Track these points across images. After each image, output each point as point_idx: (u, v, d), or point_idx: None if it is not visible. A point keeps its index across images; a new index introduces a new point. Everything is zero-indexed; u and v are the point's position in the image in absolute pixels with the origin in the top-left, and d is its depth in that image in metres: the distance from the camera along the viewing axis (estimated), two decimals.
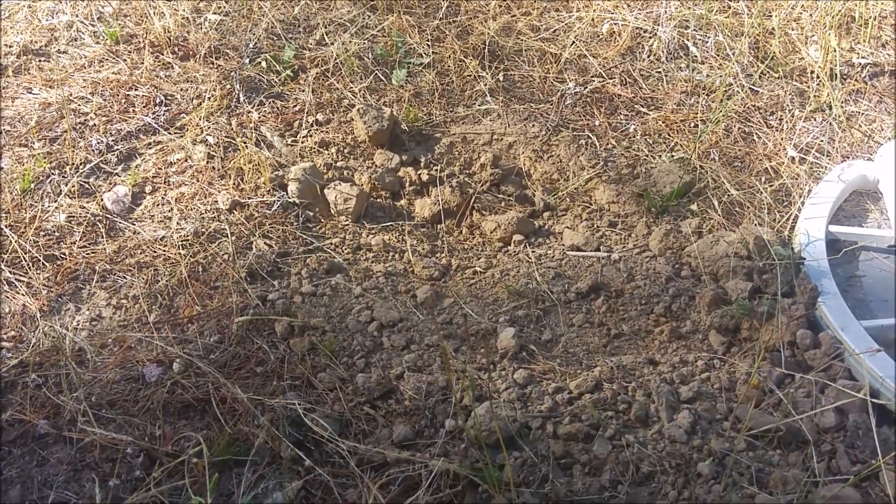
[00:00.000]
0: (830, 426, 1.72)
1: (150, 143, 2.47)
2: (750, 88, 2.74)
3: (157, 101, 2.59)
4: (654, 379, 1.82)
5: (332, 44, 2.82)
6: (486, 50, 2.82)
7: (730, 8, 3.02)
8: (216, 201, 2.29)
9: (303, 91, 2.67)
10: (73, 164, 2.36)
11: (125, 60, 2.72)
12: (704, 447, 1.68)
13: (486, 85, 2.72)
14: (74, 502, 1.63)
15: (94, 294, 2.06)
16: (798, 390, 1.80)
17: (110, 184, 2.34)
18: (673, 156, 2.52)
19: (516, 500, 1.56)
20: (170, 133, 2.50)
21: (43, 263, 2.10)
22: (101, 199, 2.28)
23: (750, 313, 1.95)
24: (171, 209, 2.27)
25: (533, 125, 2.61)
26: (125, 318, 1.99)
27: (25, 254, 2.10)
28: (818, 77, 2.76)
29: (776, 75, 2.81)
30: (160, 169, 2.39)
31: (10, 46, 2.75)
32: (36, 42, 2.80)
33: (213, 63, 2.72)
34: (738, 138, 2.59)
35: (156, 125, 2.51)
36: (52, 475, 1.67)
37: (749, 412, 1.71)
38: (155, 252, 2.15)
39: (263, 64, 2.73)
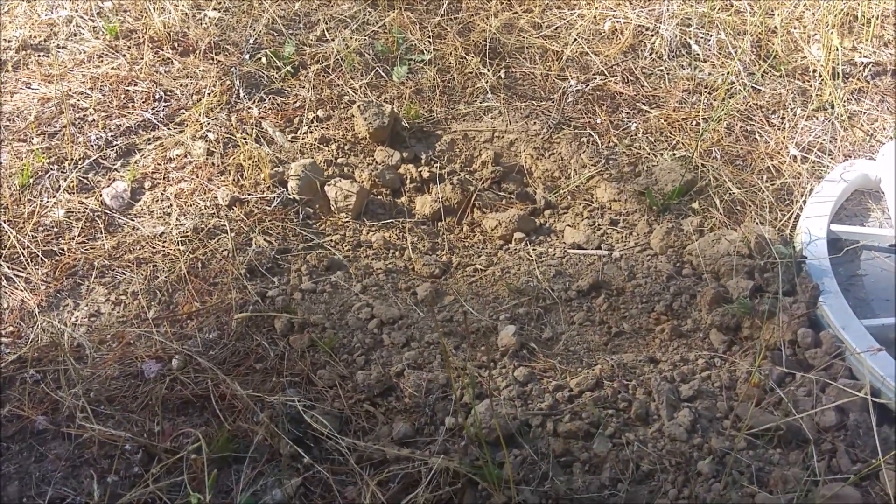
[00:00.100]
0: (831, 425, 1.71)
1: (149, 139, 2.46)
2: (752, 87, 2.74)
3: (157, 96, 2.58)
4: (655, 377, 1.82)
5: (333, 40, 2.81)
6: (488, 47, 2.81)
7: (732, 6, 3.02)
8: (216, 197, 2.28)
9: (303, 87, 2.66)
10: (72, 159, 2.36)
11: (125, 56, 2.71)
12: (705, 446, 1.68)
13: (487, 82, 2.71)
14: (73, 498, 1.62)
15: (92, 290, 2.05)
16: (799, 389, 1.79)
17: (109, 179, 2.33)
18: (675, 154, 2.51)
19: (516, 498, 1.56)
20: (169, 129, 2.49)
21: (41, 259, 2.10)
22: (100, 195, 2.27)
23: (751, 312, 1.95)
24: (171, 205, 2.26)
25: (534, 123, 2.60)
26: (124, 314, 1.99)
27: (24, 249, 2.10)
28: (820, 76, 2.75)
29: (778, 74, 2.81)
30: (159, 165, 2.38)
31: (10, 41, 2.74)
32: (35, 37, 2.79)
33: (213, 59, 2.72)
34: (739, 137, 2.59)
35: (155, 121, 2.50)
36: (50, 471, 1.67)
37: (749, 411, 1.71)
38: (154, 248, 2.14)
39: (264, 60, 2.72)
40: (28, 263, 2.08)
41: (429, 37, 2.85)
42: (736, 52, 2.81)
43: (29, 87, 2.59)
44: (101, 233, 2.18)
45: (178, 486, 1.61)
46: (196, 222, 2.20)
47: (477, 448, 1.63)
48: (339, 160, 2.47)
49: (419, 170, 2.46)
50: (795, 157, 2.52)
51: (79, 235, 2.17)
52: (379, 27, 2.87)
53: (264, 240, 2.18)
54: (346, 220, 2.32)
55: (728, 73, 2.75)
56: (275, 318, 1.96)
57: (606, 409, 1.75)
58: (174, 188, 2.31)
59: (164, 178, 2.35)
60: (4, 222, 2.15)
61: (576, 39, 2.86)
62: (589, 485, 1.60)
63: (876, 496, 1.60)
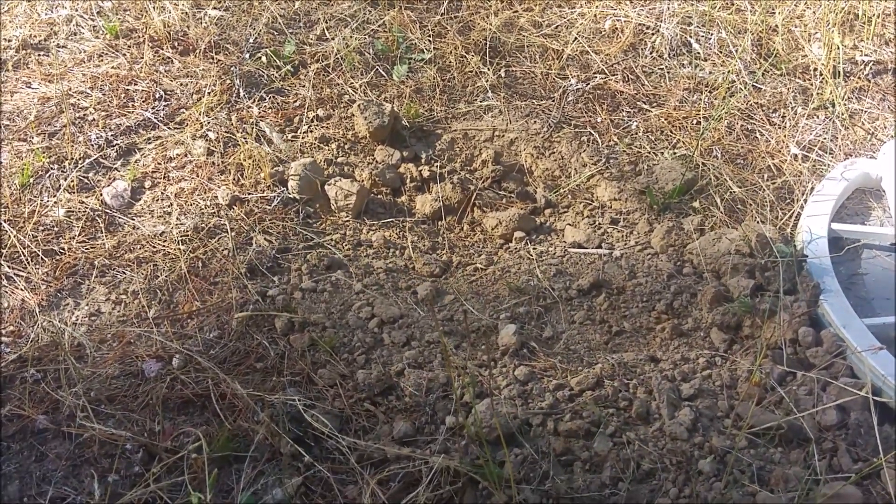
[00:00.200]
0: (832, 424, 1.71)
1: (149, 138, 2.46)
2: (753, 85, 2.74)
3: (157, 95, 2.58)
4: (656, 376, 1.82)
5: (333, 39, 2.81)
6: (488, 46, 2.81)
7: (733, 5, 3.01)
8: (216, 197, 2.28)
9: (303, 86, 2.66)
10: (73, 158, 2.36)
11: (125, 55, 2.71)
12: (706, 444, 1.67)
13: (487, 81, 2.71)
14: (73, 498, 1.62)
15: (93, 289, 2.05)
16: (800, 388, 1.79)
17: (109, 179, 2.33)
18: (675, 153, 2.51)
19: (517, 497, 1.56)
20: (169, 128, 2.49)
21: (42, 258, 2.09)
22: (101, 194, 2.27)
23: (752, 311, 1.95)
24: (171, 204, 2.26)
25: (534, 122, 2.60)
26: (124, 314, 1.98)
27: (24, 248, 2.10)
28: (821, 74, 2.75)
29: (779, 72, 2.80)
30: (160, 164, 2.38)
31: (10, 41, 2.74)
32: (35, 36, 2.79)
33: (213, 58, 2.71)
34: (740, 135, 2.59)
35: (155, 120, 2.50)
36: (50, 470, 1.66)
37: (750, 410, 1.71)
38: (154, 247, 2.14)
39: (264, 59, 2.72)
40: (28, 263, 2.07)
41: (429, 36, 2.85)
42: (737, 51, 2.81)
43: (29, 87, 2.59)
44: (102, 232, 2.18)
45: (178, 486, 1.61)
46: (196, 221, 2.20)
47: (477, 447, 1.63)
48: (339, 159, 2.47)
49: (419, 169, 2.46)
50: (796, 155, 2.52)
51: (79, 235, 2.17)
52: (379, 26, 2.87)
53: (265, 239, 2.18)
54: (347, 219, 2.32)
55: (729, 71, 2.75)
56: (275, 317, 1.96)
57: (607, 408, 1.75)
58: (174, 187, 2.31)
59: (164, 177, 2.35)
60: (5, 222, 2.15)
61: (576, 38, 2.86)
62: (590, 484, 1.60)
63: (877, 495, 1.60)
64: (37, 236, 2.14)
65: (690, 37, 2.90)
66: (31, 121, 2.45)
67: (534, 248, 2.26)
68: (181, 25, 2.81)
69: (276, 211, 2.27)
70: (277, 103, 2.61)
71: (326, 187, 2.34)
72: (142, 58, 2.69)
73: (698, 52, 2.85)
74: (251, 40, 2.79)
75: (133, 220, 2.23)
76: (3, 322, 1.94)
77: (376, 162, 2.48)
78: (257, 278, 2.08)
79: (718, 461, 1.64)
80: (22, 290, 2.02)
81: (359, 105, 2.53)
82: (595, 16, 2.96)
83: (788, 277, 2.04)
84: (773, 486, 1.59)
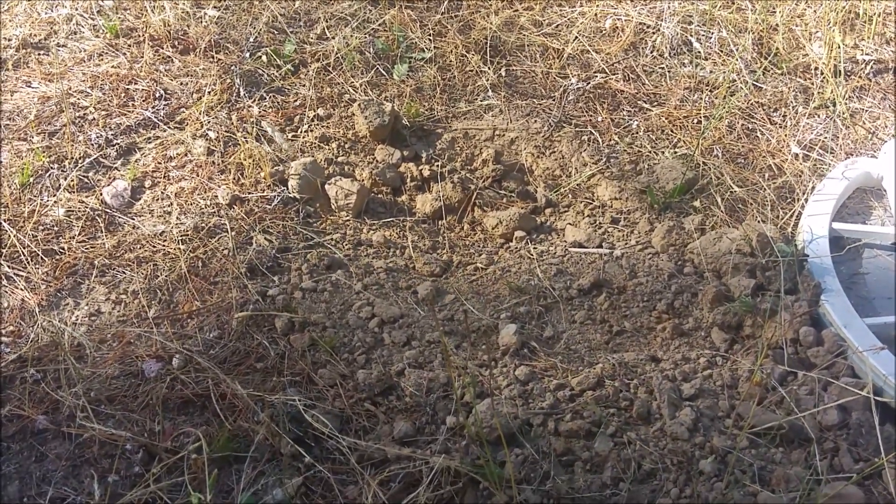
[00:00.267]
0: (833, 424, 1.71)
1: (149, 138, 2.46)
2: (753, 85, 2.73)
3: (157, 95, 2.58)
4: (657, 376, 1.81)
5: (333, 38, 2.80)
6: (489, 45, 2.80)
7: (733, 4, 3.01)
8: (216, 196, 2.28)
9: (303, 86, 2.66)
10: (73, 158, 2.35)
11: (125, 54, 2.71)
12: (706, 445, 1.67)
13: (487, 80, 2.70)
14: (73, 498, 1.62)
15: (93, 289, 2.04)
16: (801, 388, 1.79)
17: (109, 178, 2.33)
18: (676, 152, 2.50)
19: (517, 498, 1.55)
20: (169, 127, 2.48)
21: (42, 258, 2.09)
22: (101, 194, 2.27)
23: (753, 310, 1.94)
24: (171, 204, 2.26)
25: (535, 121, 2.60)
26: (124, 314, 1.98)
27: (24, 248, 2.09)
28: (822, 73, 2.75)
29: (780, 72, 2.80)
30: (160, 163, 2.38)
31: (10, 40, 2.73)
32: (35, 35, 2.78)
33: (213, 57, 2.71)
34: (741, 135, 2.58)
35: (155, 119, 2.50)
36: (50, 471, 1.66)
37: (751, 410, 1.70)
38: (154, 247, 2.14)
39: (264, 58, 2.71)
40: (28, 262, 2.07)
41: (429, 35, 2.85)
42: (737, 50, 2.80)
43: (29, 86, 2.58)
44: (102, 232, 2.18)
45: (178, 486, 1.61)
46: (196, 221, 2.19)
47: (478, 447, 1.63)
48: (339, 159, 2.46)
49: (420, 168, 2.46)
50: (797, 154, 2.52)
51: (79, 234, 2.16)
52: (379, 25, 2.87)
53: (265, 238, 2.18)
54: (347, 218, 2.32)
55: (729, 70, 2.74)
56: (275, 317, 1.95)
57: (608, 408, 1.74)
58: (174, 187, 2.31)
59: (164, 176, 2.34)
60: (5, 221, 2.15)
61: (577, 37, 2.86)
62: (590, 484, 1.59)
63: (878, 495, 1.59)
64: (37, 236, 2.14)
65: (691, 36, 2.89)
66: (31, 120, 2.45)
67: (534, 248, 2.26)
68: (181, 24, 2.80)
69: (277, 210, 2.27)
70: (278, 102, 2.61)
71: (327, 187, 2.34)
72: (142, 57, 2.69)
73: (699, 52, 2.85)
74: (251, 39, 2.78)
75: (133, 219, 2.22)
76: (3, 322, 1.94)
77: (377, 161, 2.48)
78: (257, 278, 2.08)
79: (719, 461, 1.64)
80: (22, 289, 2.01)
81: (359, 104, 2.53)
82: (595, 15, 2.96)
83: (789, 277, 2.04)
84: (775, 487, 1.59)
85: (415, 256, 2.22)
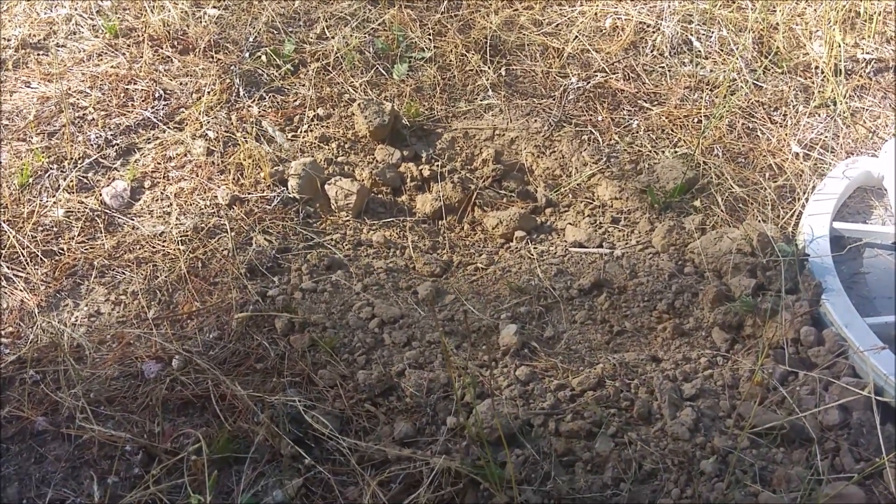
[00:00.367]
0: (834, 424, 1.70)
1: (149, 138, 2.46)
2: (754, 84, 2.73)
3: (157, 95, 2.57)
4: (657, 376, 1.81)
5: (333, 38, 2.80)
6: (488, 44, 2.80)
7: (734, 2, 3.00)
8: (216, 196, 2.27)
9: (303, 85, 2.65)
10: (72, 158, 2.35)
11: (124, 54, 2.70)
12: (707, 445, 1.67)
13: (487, 80, 2.70)
14: (73, 500, 1.61)
15: (92, 290, 2.04)
16: (802, 388, 1.79)
17: (109, 178, 2.33)
18: (676, 151, 2.50)
19: (518, 499, 1.55)
20: (169, 127, 2.48)
21: (41, 259, 2.09)
22: (100, 194, 2.27)
23: (753, 310, 1.94)
24: (171, 204, 2.25)
25: (535, 120, 2.59)
26: (124, 314, 1.98)
27: (23, 249, 2.09)
28: (822, 72, 2.74)
29: (780, 71, 2.79)
30: (159, 164, 2.37)
31: (9, 40, 2.73)
32: (34, 36, 2.78)
33: (212, 57, 2.70)
34: (741, 134, 2.58)
35: (155, 119, 2.49)
36: (50, 472, 1.66)
37: (752, 409, 1.70)
38: (154, 247, 2.14)
39: (263, 58, 2.71)
40: (28, 263, 2.07)
41: (429, 34, 2.84)
42: (737, 49, 2.80)
43: (28, 86, 2.58)
44: (101, 232, 2.18)
45: (178, 488, 1.60)
46: (196, 221, 2.19)
47: (478, 448, 1.63)
48: (339, 158, 2.46)
49: (420, 168, 2.45)
50: (798, 154, 2.51)
51: (78, 235, 2.16)
52: (379, 25, 2.86)
53: (264, 239, 2.18)
54: (347, 218, 2.31)
55: (730, 69, 2.74)
56: (275, 317, 1.95)
57: (608, 409, 1.74)
58: (174, 187, 2.30)
59: (163, 177, 2.34)
60: (4, 222, 2.14)
61: (576, 36, 2.85)
62: (591, 484, 1.59)
63: (879, 495, 1.59)
64: (36, 237, 2.13)
65: (691, 35, 2.89)
66: (31, 120, 2.44)
67: (534, 248, 2.26)
68: (181, 24, 2.80)
69: (276, 211, 2.26)
70: (277, 102, 2.60)
71: (327, 187, 2.34)
72: (141, 57, 2.68)
73: (699, 51, 2.84)
74: (251, 39, 2.78)
75: (132, 220, 2.22)
76: (3, 323, 1.93)
77: (376, 161, 2.48)
78: (257, 278, 2.08)
79: (720, 461, 1.63)
80: (21, 290, 2.01)
81: (359, 104, 2.53)
82: (595, 14, 2.95)
83: (790, 277, 2.03)
84: (776, 487, 1.58)
85: (415, 256, 2.22)
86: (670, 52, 2.85)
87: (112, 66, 2.65)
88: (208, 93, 2.57)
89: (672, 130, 2.58)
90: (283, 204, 2.28)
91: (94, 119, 2.48)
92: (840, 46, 2.76)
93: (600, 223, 2.32)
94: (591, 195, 2.42)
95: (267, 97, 2.61)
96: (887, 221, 2.36)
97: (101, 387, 1.79)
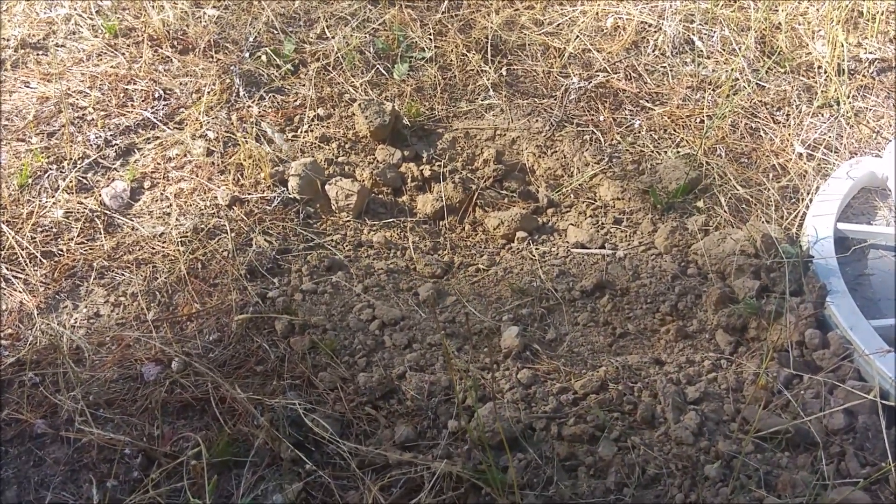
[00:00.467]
0: (839, 428, 1.69)
1: (148, 138, 2.44)
2: (756, 83, 2.71)
3: (156, 95, 2.56)
4: (661, 379, 1.80)
5: (333, 38, 2.78)
6: (489, 44, 2.78)
7: (736, 2, 2.99)
8: (216, 197, 2.26)
9: (303, 85, 2.64)
10: (71, 158, 2.33)
11: (124, 54, 2.69)
12: (712, 449, 1.65)
13: (488, 79, 2.68)
14: (71, 503, 1.60)
15: (91, 291, 2.03)
16: (807, 391, 1.77)
17: (108, 179, 2.31)
18: (679, 152, 2.48)
19: (520, 503, 1.54)
20: (169, 128, 2.47)
21: (40, 260, 2.08)
22: (100, 195, 2.25)
23: (757, 312, 1.93)
24: (170, 205, 2.24)
25: (536, 120, 2.58)
26: (123, 316, 1.97)
27: (22, 250, 2.08)
28: (825, 72, 2.73)
29: (783, 70, 2.78)
30: (159, 164, 2.36)
31: (8, 40, 2.72)
32: (34, 35, 2.76)
33: (212, 57, 2.69)
34: (744, 134, 2.56)
35: (155, 120, 2.48)
36: (48, 475, 1.65)
37: (757, 413, 1.69)
38: (153, 248, 2.12)
39: (263, 58, 2.69)
40: (27, 264, 2.06)
41: (430, 34, 2.83)
42: (740, 49, 2.78)
43: (27, 86, 2.57)
44: (101, 233, 2.16)
45: (178, 492, 1.59)
46: (196, 222, 2.18)
47: (480, 452, 1.61)
48: (339, 159, 2.45)
49: (420, 168, 2.44)
50: (801, 154, 2.50)
51: (78, 236, 2.15)
52: (379, 24, 2.85)
53: (265, 240, 2.16)
54: (347, 219, 2.30)
55: (732, 69, 2.72)
56: (275, 319, 1.94)
57: (611, 412, 1.73)
58: (174, 188, 2.29)
59: (163, 177, 2.33)
60: (3, 223, 2.13)
61: (578, 36, 2.84)
62: (594, 489, 1.58)
63: (886, 500, 1.58)
64: (35, 237, 2.12)
65: (693, 34, 2.87)
66: (30, 121, 2.43)
67: (536, 249, 2.24)
68: (180, 24, 2.78)
69: (277, 211, 2.25)
70: (277, 102, 2.59)
71: (327, 187, 2.32)
72: (141, 57, 2.67)
73: (701, 50, 2.83)
74: (251, 39, 2.76)
75: (132, 220, 2.21)
76: (2, 325, 1.92)
77: (377, 161, 2.46)
78: (257, 280, 2.06)
79: (725, 466, 1.62)
80: (20, 292, 2.00)
81: (359, 104, 2.51)
82: (597, 13, 2.94)
83: (794, 278, 2.02)
84: (780, 492, 1.57)
85: (416, 257, 2.21)
86: (672, 52, 2.83)
87: (111, 66, 2.64)
88: (208, 93, 2.56)
89: (674, 130, 2.57)
90: (284, 204, 2.27)
91: (93, 119, 2.47)
92: (843, 46, 2.75)
93: (602, 224, 2.31)
94: (593, 195, 2.40)
95: (267, 97, 2.60)
96: (892, 222, 2.34)
97: (101, 389, 1.78)
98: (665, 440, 1.68)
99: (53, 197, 2.23)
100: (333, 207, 2.32)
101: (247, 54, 2.71)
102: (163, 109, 2.52)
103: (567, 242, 2.27)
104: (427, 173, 2.43)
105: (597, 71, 2.75)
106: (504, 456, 1.61)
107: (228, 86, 2.59)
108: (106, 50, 2.71)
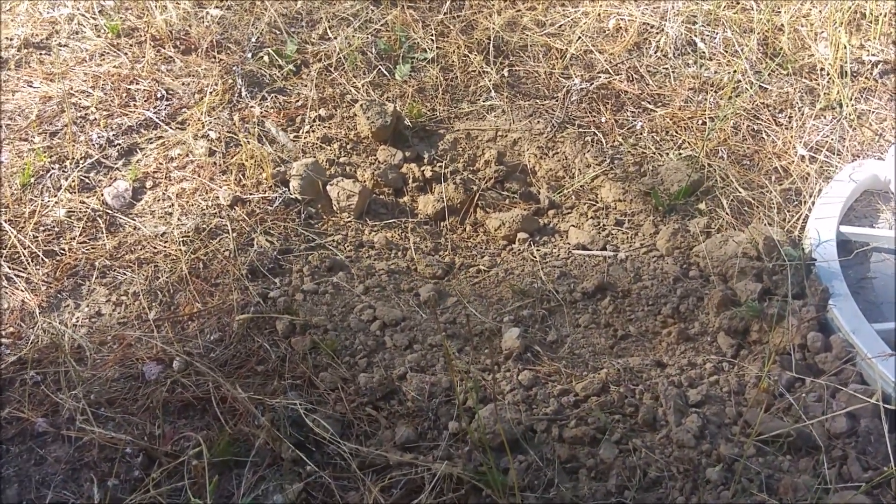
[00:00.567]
0: (841, 431, 1.69)
1: (151, 138, 2.44)
2: (759, 85, 2.71)
3: (159, 95, 2.56)
4: (662, 382, 1.79)
5: (335, 38, 2.78)
6: (491, 45, 2.78)
7: (738, 3, 2.98)
8: (217, 197, 2.26)
9: (305, 86, 2.64)
10: (74, 158, 2.34)
11: (126, 54, 2.69)
12: (713, 452, 1.65)
13: (490, 80, 2.68)
14: (72, 502, 1.60)
15: (93, 290, 2.03)
16: (809, 394, 1.77)
17: (111, 179, 2.31)
18: (680, 153, 2.48)
19: None
20: (171, 128, 2.47)
21: (42, 259, 2.08)
22: (102, 194, 2.26)
23: (760, 315, 1.92)
24: (172, 204, 2.24)
25: (538, 121, 2.58)
26: (125, 315, 1.97)
27: (25, 249, 2.08)
28: (828, 74, 2.72)
29: (785, 72, 2.77)
30: (161, 164, 2.36)
31: (11, 39, 2.72)
32: (37, 35, 2.77)
33: (215, 57, 2.69)
34: (746, 136, 2.56)
35: (157, 119, 2.48)
36: (50, 474, 1.65)
37: (759, 417, 1.68)
38: (155, 248, 2.12)
39: (266, 58, 2.70)
40: (29, 263, 2.06)
41: (431, 35, 2.83)
42: (742, 51, 2.78)
43: (30, 86, 2.57)
44: (103, 233, 2.16)
45: (178, 491, 1.59)
46: (197, 222, 2.18)
47: (481, 453, 1.61)
48: (341, 159, 2.45)
49: (422, 169, 2.44)
50: (803, 156, 2.49)
51: (80, 235, 2.15)
52: (381, 25, 2.85)
53: (266, 240, 2.16)
54: (349, 220, 2.30)
55: (734, 71, 2.72)
56: (276, 319, 1.94)
57: (613, 415, 1.72)
58: (176, 188, 2.29)
59: (165, 177, 2.33)
60: (5, 222, 2.13)
61: (580, 37, 2.84)
62: (595, 492, 1.57)
63: None
64: (37, 237, 2.12)
65: (695, 36, 2.87)
66: (33, 120, 2.43)
67: (537, 250, 2.24)
68: (183, 24, 2.79)
69: (278, 211, 2.25)
70: (279, 103, 2.59)
71: (328, 188, 2.32)
72: (143, 57, 2.67)
73: (703, 52, 2.83)
74: (253, 39, 2.76)
75: (134, 220, 2.21)
76: (4, 323, 1.92)
77: (378, 162, 2.46)
78: (258, 280, 2.06)
79: (726, 469, 1.61)
80: (22, 291, 2.00)
81: (361, 105, 2.51)
82: (599, 15, 2.94)
83: (796, 281, 2.01)
84: (782, 495, 1.57)
85: (417, 258, 2.21)
86: (674, 54, 2.83)
87: (114, 66, 2.64)
88: (210, 93, 2.56)
89: (676, 132, 2.57)
90: (285, 205, 2.27)
91: (95, 119, 2.47)
92: (846, 48, 2.74)
93: (604, 225, 2.31)
94: (595, 197, 2.40)
95: (269, 98, 2.60)
96: (894, 225, 2.34)
97: (102, 388, 1.78)
98: (666, 443, 1.67)
99: (56, 196, 2.23)
100: (335, 208, 2.32)
101: (249, 55, 2.71)
102: (165, 109, 2.52)
103: (568, 244, 2.27)
104: (428, 174, 2.43)
105: (599, 72, 2.75)
106: (505, 458, 1.61)
107: (231, 86, 2.59)
108: (109, 50, 2.71)
